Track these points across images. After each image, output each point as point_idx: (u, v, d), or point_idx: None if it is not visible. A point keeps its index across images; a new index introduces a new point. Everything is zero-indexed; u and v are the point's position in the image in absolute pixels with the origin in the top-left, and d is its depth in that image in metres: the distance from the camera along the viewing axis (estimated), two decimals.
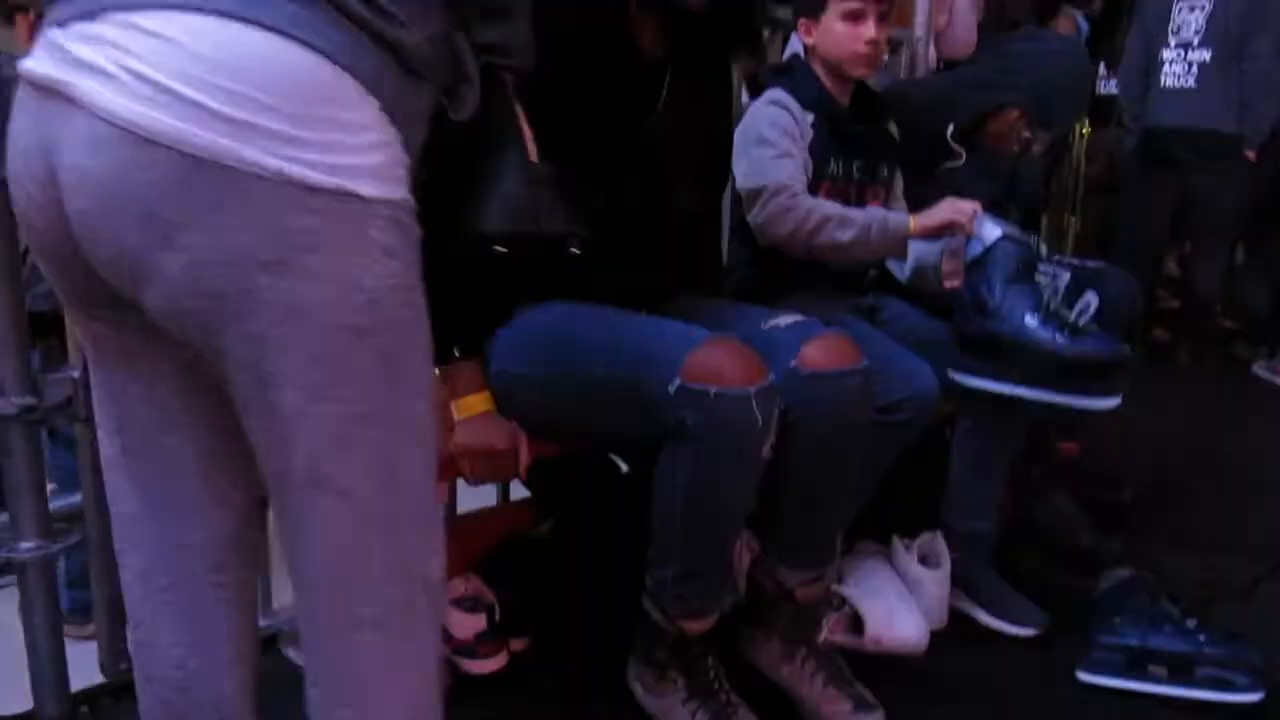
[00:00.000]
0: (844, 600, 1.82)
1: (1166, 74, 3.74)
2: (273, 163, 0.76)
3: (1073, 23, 4.76)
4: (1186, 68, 3.69)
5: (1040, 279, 1.77)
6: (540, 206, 1.01)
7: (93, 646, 1.64)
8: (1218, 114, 3.62)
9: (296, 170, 0.77)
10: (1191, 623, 1.78)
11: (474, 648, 1.65)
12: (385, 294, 0.83)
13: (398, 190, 0.84)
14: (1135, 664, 1.74)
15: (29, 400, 1.49)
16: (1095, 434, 2.64)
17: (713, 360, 1.29)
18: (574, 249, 1.05)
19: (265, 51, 0.77)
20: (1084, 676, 1.76)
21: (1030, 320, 1.71)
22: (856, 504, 1.87)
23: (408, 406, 0.88)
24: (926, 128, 2.11)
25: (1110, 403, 1.75)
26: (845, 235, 1.76)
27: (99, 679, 1.65)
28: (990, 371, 1.77)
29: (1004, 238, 1.75)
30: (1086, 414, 1.76)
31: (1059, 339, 1.69)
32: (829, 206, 1.79)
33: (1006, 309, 1.72)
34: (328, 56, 0.79)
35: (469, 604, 1.68)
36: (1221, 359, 4.05)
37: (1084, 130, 5.20)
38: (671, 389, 1.28)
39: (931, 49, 3.37)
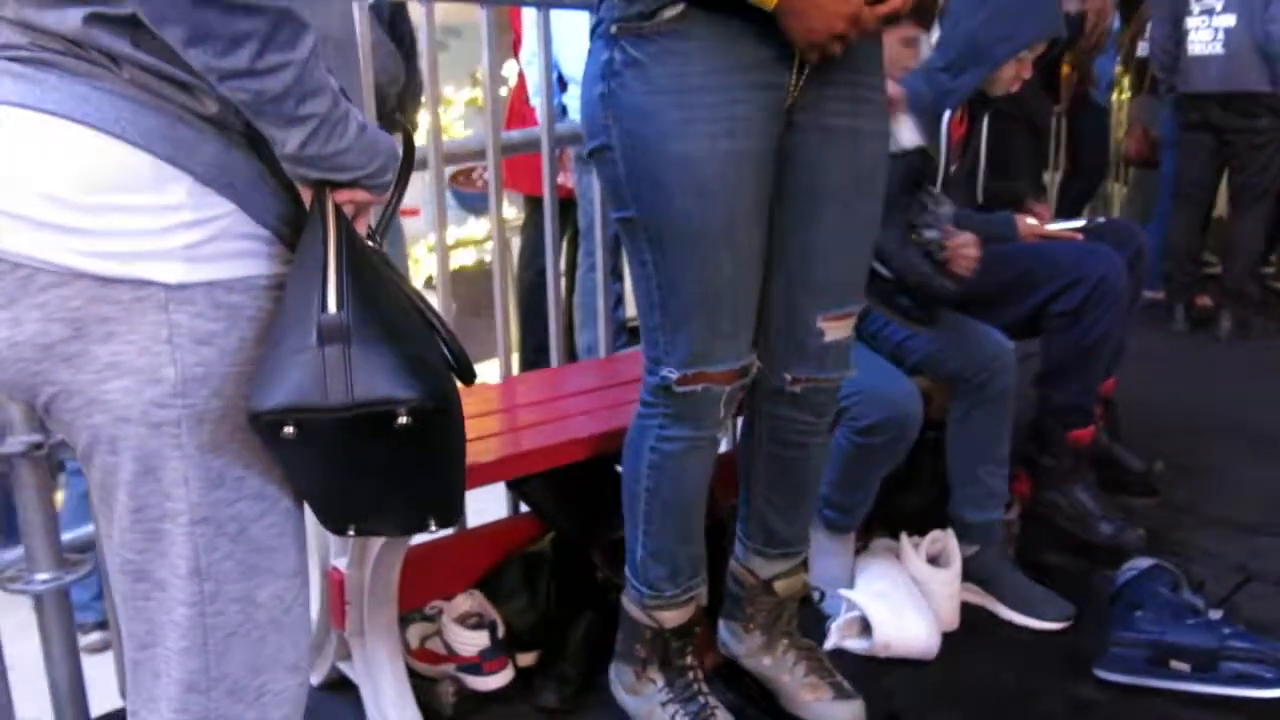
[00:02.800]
0: (853, 604, 1.80)
1: (1194, 41, 3.69)
2: (58, 258, 0.74)
3: None
4: (1213, 34, 3.64)
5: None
6: (329, 371, 0.76)
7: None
8: (1250, 76, 3.59)
9: (84, 263, 0.74)
10: (1216, 614, 1.73)
11: (478, 665, 1.66)
12: (195, 385, 0.79)
13: (225, 268, 0.79)
14: (1157, 659, 1.68)
15: (36, 438, 1.53)
16: (1130, 407, 2.59)
17: (707, 378, 1.36)
18: (402, 419, 0.77)
19: (43, 136, 0.73)
20: (1103, 674, 1.71)
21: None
22: (855, 515, 1.85)
23: (232, 508, 0.83)
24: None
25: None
26: None
27: (120, 702, 1.69)
28: None
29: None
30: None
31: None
32: None
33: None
34: (116, 136, 0.74)
35: (472, 621, 1.69)
36: (1269, 323, 3.91)
37: (1123, 95, 5.09)
38: (671, 377, 1.36)
39: None
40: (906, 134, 1.84)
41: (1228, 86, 3.62)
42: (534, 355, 3.15)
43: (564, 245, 3.07)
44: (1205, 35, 3.65)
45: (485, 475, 1.60)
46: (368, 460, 0.82)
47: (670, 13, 1.22)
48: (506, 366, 2.04)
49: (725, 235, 1.29)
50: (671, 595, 1.50)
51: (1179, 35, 3.73)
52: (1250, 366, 3.51)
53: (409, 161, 0.97)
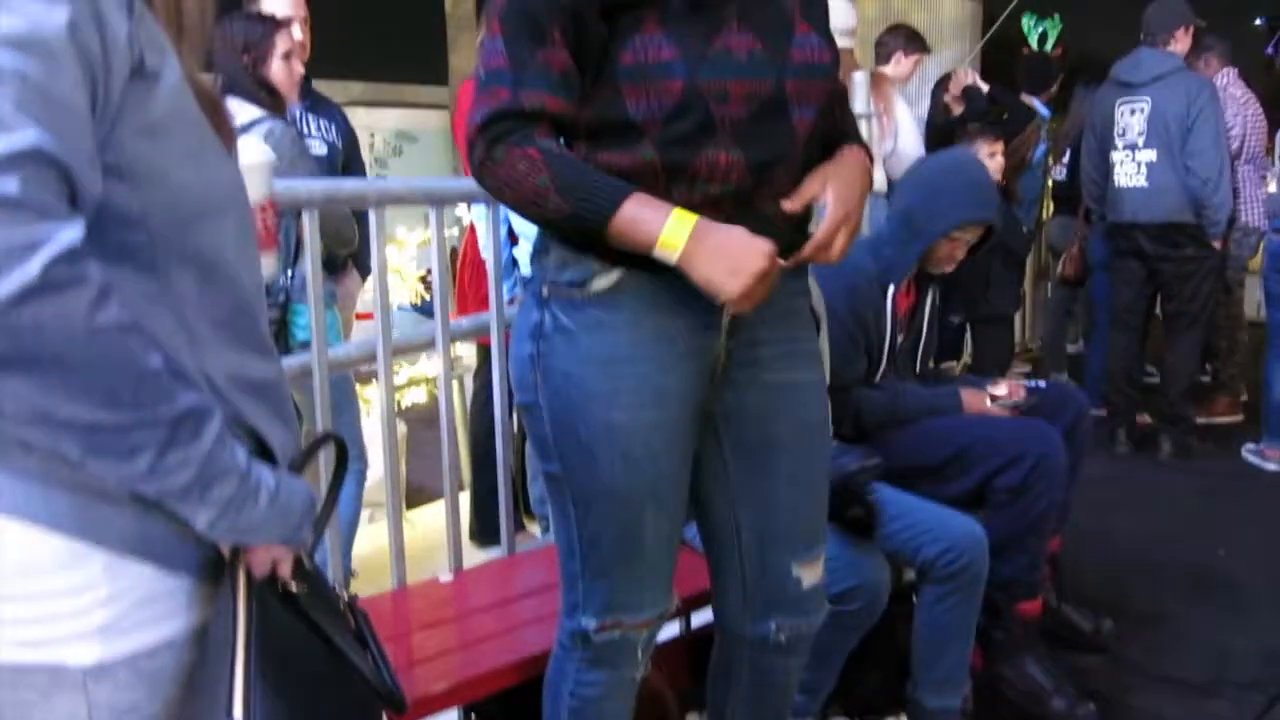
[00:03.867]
0: None
1: (1119, 174, 3.85)
2: None
3: (1033, 110, 4.90)
4: (1136, 167, 3.79)
5: None
6: None
7: None
8: (1174, 208, 3.73)
9: None
10: None
11: None
12: None
13: (146, 636, 0.77)
14: None
15: None
16: (1078, 544, 2.62)
17: (625, 626, 1.35)
18: None
19: None
20: None
21: None
22: (818, 696, 1.85)
23: None
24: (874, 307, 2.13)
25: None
26: None
27: None
28: None
29: None
30: None
31: None
32: None
33: None
34: (27, 520, 0.73)
35: None
36: (1205, 444, 3.99)
37: (1043, 217, 5.32)
38: (589, 626, 1.35)
39: (880, 172, 3.42)
40: None
41: (1153, 217, 3.76)
42: (486, 497, 3.13)
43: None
44: (1130, 169, 3.81)
45: (439, 703, 1.57)
46: None
47: (602, 283, 1.24)
48: (457, 558, 2.02)
49: (650, 497, 1.29)
50: None
51: (1106, 167, 3.88)
52: (1192, 493, 3.59)
53: (340, 471, 0.96)
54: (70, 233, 0.66)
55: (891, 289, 2.15)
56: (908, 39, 4.21)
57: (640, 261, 1.21)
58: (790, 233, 1.28)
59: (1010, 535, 2.08)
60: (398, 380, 3.57)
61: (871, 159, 1.36)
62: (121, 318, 0.69)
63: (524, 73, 1.18)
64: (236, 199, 0.87)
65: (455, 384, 3.59)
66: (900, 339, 2.26)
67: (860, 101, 2.75)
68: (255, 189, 1.09)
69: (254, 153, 1.07)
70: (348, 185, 1.98)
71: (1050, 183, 5.06)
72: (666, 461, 1.29)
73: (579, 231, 1.22)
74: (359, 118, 7.18)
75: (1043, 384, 2.43)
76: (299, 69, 2.60)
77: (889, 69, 4.18)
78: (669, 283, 1.21)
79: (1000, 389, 2.24)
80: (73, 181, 0.68)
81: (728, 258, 1.17)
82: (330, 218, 2.50)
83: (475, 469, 3.21)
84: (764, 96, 1.22)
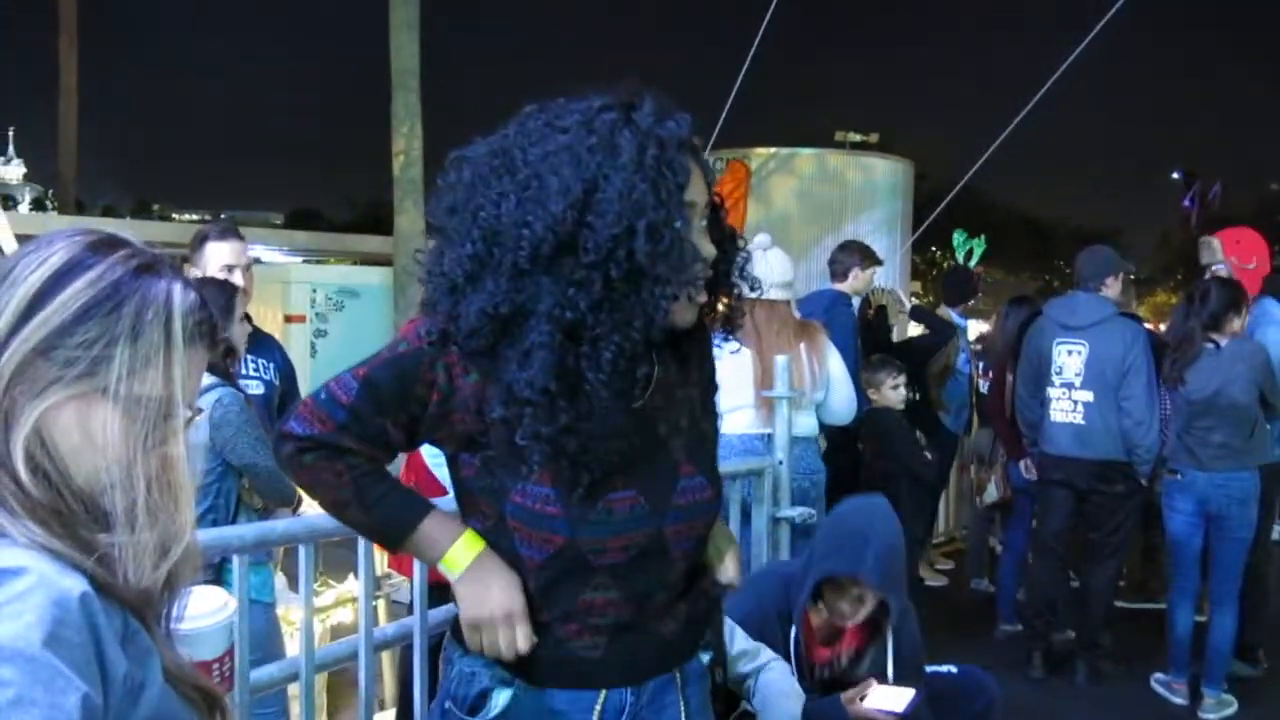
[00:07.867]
0: None
1: (1055, 409, 3.93)
2: None
3: (951, 323, 5.16)
4: (1072, 405, 3.89)
5: None
6: None
7: None
8: (1107, 445, 3.83)
9: None
10: None
11: None
12: None
13: None
14: None
15: None
16: None
17: None
18: None
19: None
20: None
21: None
22: None
23: None
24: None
25: None
26: None
27: None
28: None
29: None
30: None
31: None
32: None
33: None
34: None
35: None
36: (1119, 666, 4.06)
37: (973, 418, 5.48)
38: None
39: (811, 418, 3.52)
40: None
41: (1088, 454, 3.84)
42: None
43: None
44: (1066, 405, 3.89)
45: None
46: None
47: (498, 703, 1.27)
48: None
49: None
50: None
51: (1042, 397, 3.96)
52: None
53: None
54: None
55: (794, 630, 2.22)
56: (863, 255, 4.36)
57: (533, 676, 1.27)
58: (681, 638, 1.34)
59: None
60: (324, 601, 3.52)
61: None
62: None
63: (357, 423, 1.27)
64: None
65: (382, 603, 3.55)
66: (821, 671, 2.30)
67: (781, 384, 2.84)
68: (214, 647, 1.14)
69: (213, 613, 1.11)
70: (278, 529, 1.97)
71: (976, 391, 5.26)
72: None
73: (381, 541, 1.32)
74: (301, 273, 7.23)
75: (955, 669, 2.48)
76: (247, 326, 2.65)
77: (846, 284, 4.34)
78: (562, 699, 1.27)
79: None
80: None
81: (483, 600, 1.25)
82: (271, 481, 2.50)
83: (400, 714, 3.16)
84: (643, 544, 1.27)
